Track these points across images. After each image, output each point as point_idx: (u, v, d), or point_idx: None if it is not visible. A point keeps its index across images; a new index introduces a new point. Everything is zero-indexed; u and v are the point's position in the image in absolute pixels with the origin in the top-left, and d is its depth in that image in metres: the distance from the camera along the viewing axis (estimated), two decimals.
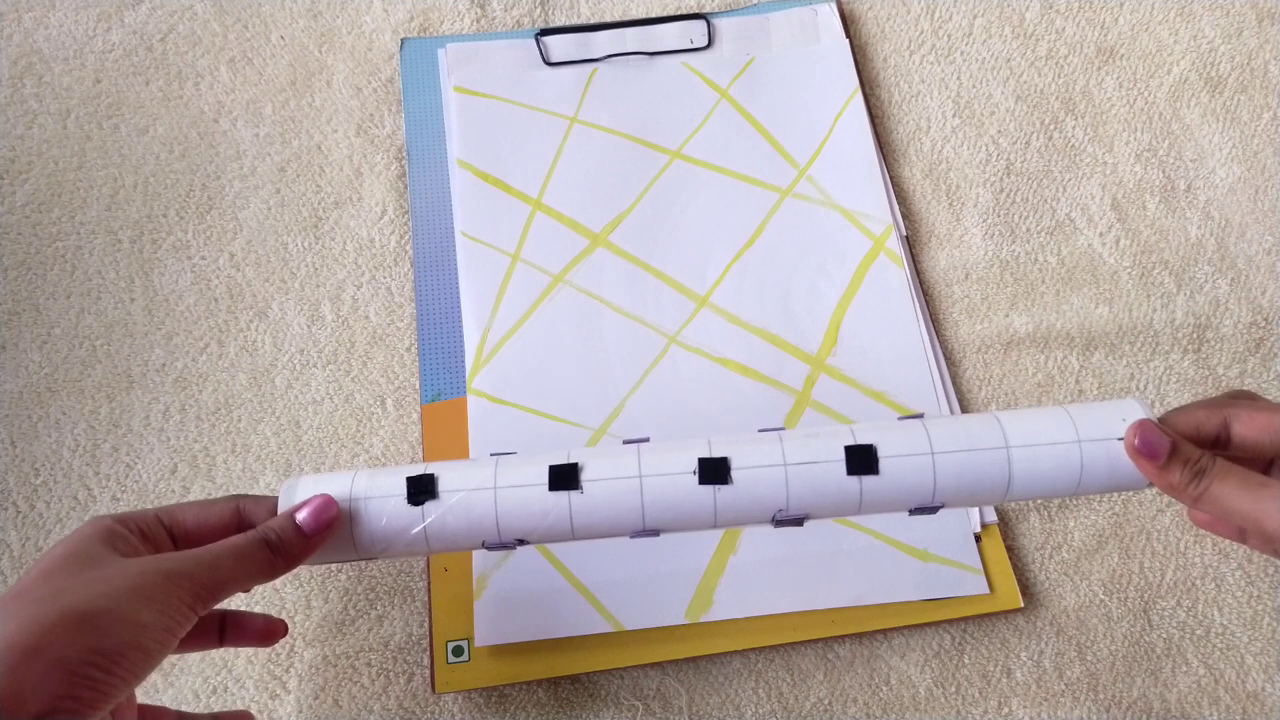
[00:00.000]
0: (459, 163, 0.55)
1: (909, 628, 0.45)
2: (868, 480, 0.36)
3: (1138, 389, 0.51)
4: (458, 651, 0.44)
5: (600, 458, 0.37)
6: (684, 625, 0.44)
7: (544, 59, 0.58)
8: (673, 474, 0.36)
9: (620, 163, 0.56)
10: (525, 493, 0.36)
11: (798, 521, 0.37)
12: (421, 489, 0.36)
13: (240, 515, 0.36)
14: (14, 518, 0.47)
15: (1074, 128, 0.58)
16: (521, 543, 0.37)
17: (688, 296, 0.52)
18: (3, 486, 0.47)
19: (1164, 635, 0.46)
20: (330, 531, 0.36)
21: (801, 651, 0.45)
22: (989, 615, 0.45)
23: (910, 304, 0.52)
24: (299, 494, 0.36)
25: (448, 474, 0.37)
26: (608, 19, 0.60)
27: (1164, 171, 0.56)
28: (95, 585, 0.31)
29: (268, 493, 0.47)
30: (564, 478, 0.36)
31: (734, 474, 0.36)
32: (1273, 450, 0.36)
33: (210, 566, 0.33)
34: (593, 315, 0.52)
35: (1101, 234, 0.55)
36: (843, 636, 0.45)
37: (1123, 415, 0.37)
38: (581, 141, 0.56)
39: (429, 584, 0.45)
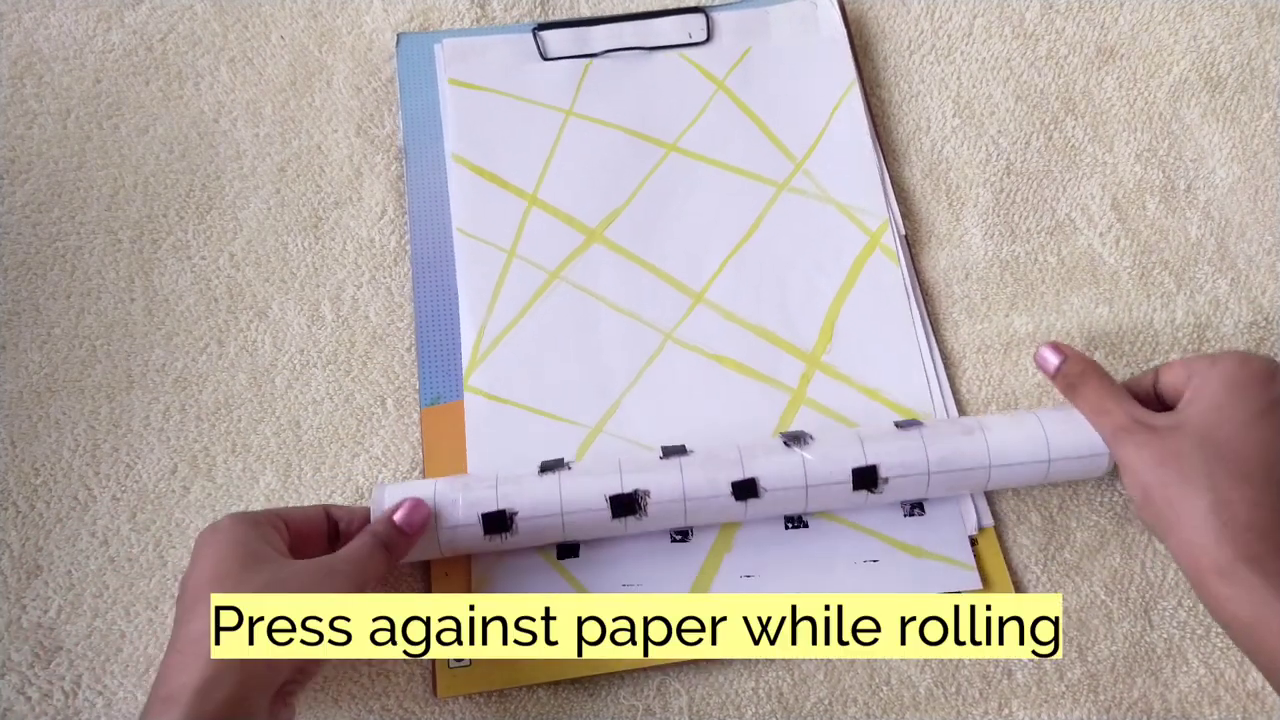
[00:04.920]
0: (454, 157, 0.55)
1: None
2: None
3: None
4: (458, 656, 0.44)
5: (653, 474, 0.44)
6: None
7: (541, 54, 0.58)
8: (712, 495, 0.43)
9: (616, 156, 0.56)
10: (591, 515, 0.43)
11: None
12: (497, 523, 0.43)
13: (330, 519, 0.43)
14: (14, 518, 0.47)
15: (1074, 128, 0.58)
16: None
17: (684, 293, 0.52)
18: (3, 486, 0.47)
19: (1164, 635, 0.46)
20: (424, 529, 0.42)
21: None
22: None
23: (905, 301, 0.52)
24: (387, 499, 0.42)
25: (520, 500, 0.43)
26: (607, 14, 0.60)
27: (1164, 171, 0.56)
28: (288, 584, 0.37)
29: (267, 492, 0.47)
30: (625, 506, 0.43)
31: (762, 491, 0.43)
32: (1185, 386, 0.43)
33: (357, 569, 0.39)
34: (589, 312, 0.52)
35: (1101, 234, 0.55)
36: None
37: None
38: (577, 135, 0.56)
39: (429, 588, 0.45)
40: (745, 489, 0.43)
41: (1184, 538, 0.39)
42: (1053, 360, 0.45)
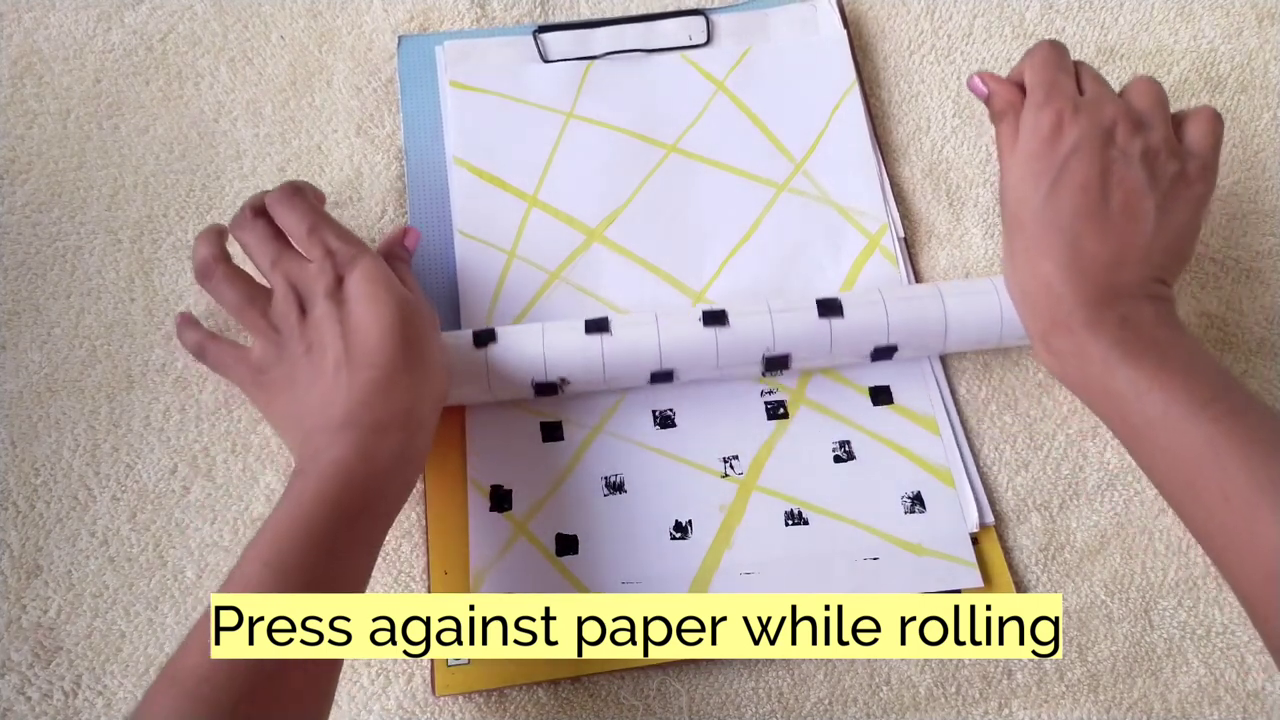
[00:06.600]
0: (455, 160, 0.55)
1: None
2: (836, 322, 0.46)
3: None
4: (458, 657, 0.44)
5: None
6: None
7: (541, 56, 0.58)
8: (683, 323, 0.46)
9: (616, 157, 0.56)
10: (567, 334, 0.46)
11: (784, 363, 0.47)
12: (484, 338, 0.47)
13: None
14: (14, 518, 0.47)
15: None
16: (564, 383, 0.46)
17: (684, 293, 0.52)
18: (3, 486, 0.47)
19: (1165, 635, 0.46)
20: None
21: None
22: None
23: None
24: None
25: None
26: (607, 17, 0.60)
27: None
28: (434, 373, 0.44)
29: (267, 492, 0.47)
30: (598, 325, 0.46)
31: (731, 319, 0.46)
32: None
33: (422, 298, 0.47)
34: (589, 313, 0.51)
35: None
36: None
37: None
38: (577, 136, 0.56)
39: (429, 587, 0.45)
40: (716, 317, 0.46)
41: (1021, 312, 0.45)
42: (980, 89, 0.47)
